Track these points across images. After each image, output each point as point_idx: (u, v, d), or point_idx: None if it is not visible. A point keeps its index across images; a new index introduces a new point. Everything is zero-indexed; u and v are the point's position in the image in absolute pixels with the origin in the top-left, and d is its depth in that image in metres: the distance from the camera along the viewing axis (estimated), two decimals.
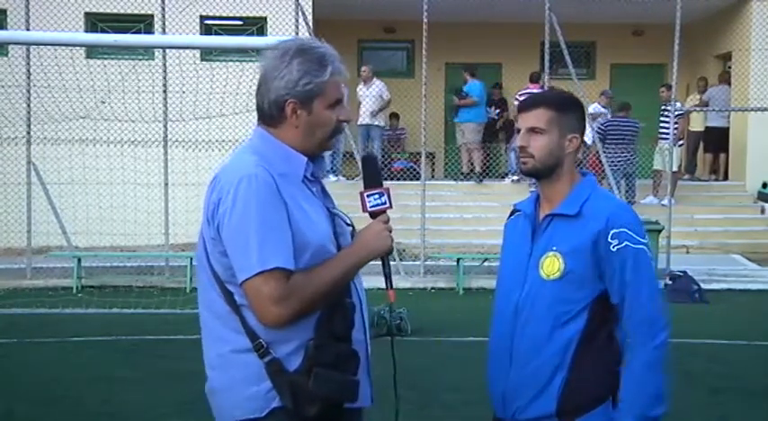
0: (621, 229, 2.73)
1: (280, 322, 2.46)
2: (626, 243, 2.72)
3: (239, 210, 2.45)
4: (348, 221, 2.70)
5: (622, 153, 14.43)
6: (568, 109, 2.86)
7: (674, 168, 14.47)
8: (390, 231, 2.64)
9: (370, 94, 15.38)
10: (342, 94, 2.63)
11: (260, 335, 2.50)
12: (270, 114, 2.60)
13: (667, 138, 14.34)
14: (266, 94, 2.59)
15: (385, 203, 2.66)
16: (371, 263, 2.65)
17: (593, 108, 15.40)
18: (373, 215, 2.66)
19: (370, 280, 3.27)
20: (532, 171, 2.86)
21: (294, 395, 2.48)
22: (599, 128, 14.43)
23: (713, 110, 16.00)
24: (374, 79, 15.48)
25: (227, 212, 2.47)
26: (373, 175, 2.70)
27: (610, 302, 2.77)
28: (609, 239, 2.73)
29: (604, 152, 13.99)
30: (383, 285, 2.70)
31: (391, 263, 2.74)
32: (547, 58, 13.42)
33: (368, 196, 2.66)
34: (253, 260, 2.43)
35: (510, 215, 3.05)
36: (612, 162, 14.12)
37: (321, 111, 2.59)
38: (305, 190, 2.60)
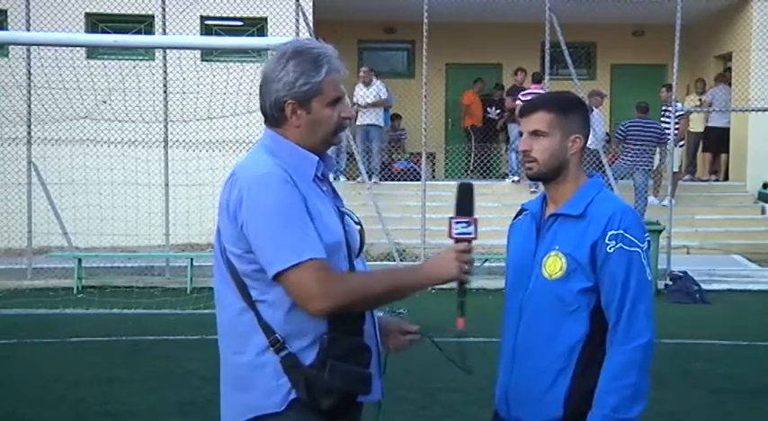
0: (618, 231, 2.72)
1: (329, 308, 2.49)
2: (620, 245, 2.71)
3: (265, 206, 2.49)
4: (356, 219, 2.75)
5: (644, 153, 14.28)
6: (570, 110, 2.85)
7: (675, 169, 14.44)
8: (466, 262, 2.71)
9: (370, 95, 15.39)
10: (341, 92, 2.67)
11: (276, 329, 2.53)
12: (272, 116, 2.66)
13: (668, 139, 14.33)
14: (267, 96, 2.65)
15: (471, 234, 2.74)
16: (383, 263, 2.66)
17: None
18: (456, 241, 2.73)
19: None
20: (538, 175, 2.86)
21: (309, 388, 2.51)
22: (620, 129, 14.45)
23: (714, 110, 15.99)
24: (374, 80, 15.49)
25: (252, 209, 2.50)
26: (465, 204, 2.78)
27: None
28: (606, 241, 2.72)
29: (626, 152, 14.04)
30: None
31: (461, 289, 2.83)
32: (547, 58, 13.43)
33: (456, 223, 2.74)
34: (286, 252, 2.47)
35: (517, 215, 3.05)
36: (635, 162, 14.09)
37: (321, 110, 2.63)
38: (316, 189, 2.64)
